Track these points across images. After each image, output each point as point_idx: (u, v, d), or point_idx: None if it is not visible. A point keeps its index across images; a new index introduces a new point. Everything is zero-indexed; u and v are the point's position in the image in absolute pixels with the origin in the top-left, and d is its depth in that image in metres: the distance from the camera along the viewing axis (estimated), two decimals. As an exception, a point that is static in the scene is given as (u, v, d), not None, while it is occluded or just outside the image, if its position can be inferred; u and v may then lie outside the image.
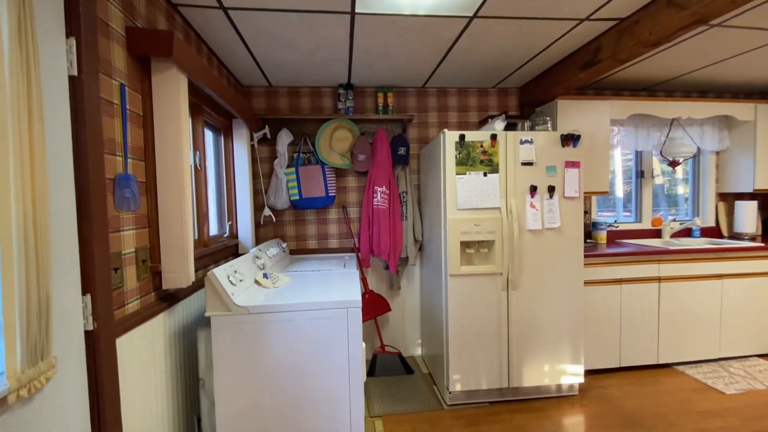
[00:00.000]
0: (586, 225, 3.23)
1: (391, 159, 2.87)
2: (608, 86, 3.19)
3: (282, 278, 1.90)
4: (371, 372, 2.81)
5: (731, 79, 3.04)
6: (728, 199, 3.47)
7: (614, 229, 3.31)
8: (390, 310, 2.94)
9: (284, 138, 2.78)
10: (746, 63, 2.66)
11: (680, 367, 2.74)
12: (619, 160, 3.50)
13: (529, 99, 3.03)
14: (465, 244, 2.31)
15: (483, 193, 2.27)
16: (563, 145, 2.31)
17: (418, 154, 3.09)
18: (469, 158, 2.25)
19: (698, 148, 3.31)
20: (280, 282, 1.86)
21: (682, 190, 3.61)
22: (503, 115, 2.41)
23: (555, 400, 2.39)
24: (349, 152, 2.88)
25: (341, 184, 3.03)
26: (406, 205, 2.93)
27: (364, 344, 1.66)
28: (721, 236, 3.44)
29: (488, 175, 2.27)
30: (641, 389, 2.47)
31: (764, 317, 2.85)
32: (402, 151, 2.88)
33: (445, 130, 2.26)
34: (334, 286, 1.84)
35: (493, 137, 2.26)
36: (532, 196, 2.30)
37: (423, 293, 2.99)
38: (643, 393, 2.43)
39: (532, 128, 2.59)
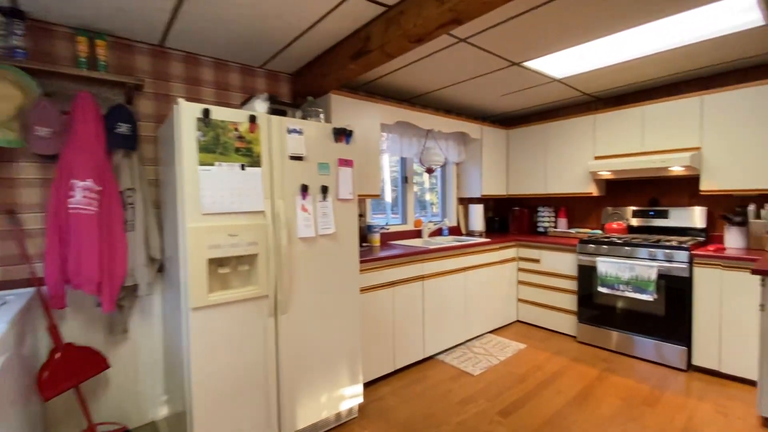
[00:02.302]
0: (361, 228, 3.16)
1: (103, 139, 1.91)
2: (378, 91, 3.22)
3: None
4: (66, 476, 1.76)
5: (464, 102, 3.61)
6: (465, 203, 4.18)
7: (386, 231, 3.39)
8: (107, 367, 1.95)
9: None
10: (475, 88, 3.15)
11: (440, 356, 2.98)
12: (387, 167, 3.64)
13: (302, 88, 2.68)
14: (217, 262, 1.68)
15: (241, 192, 1.70)
16: (336, 140, 2.03)
17: (155, 137, 2.22)
18: (218, 144, 1.64)
19: (446, 158, 3.80)
20: None
21: (428, 196, 4.10)
22: (266, 95, 1.92)
23: (335, 431, 2.07)
24: (19, 121, 1.74)
25: (4, 173, 1.82)
26: (133, 208, 2.03)
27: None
28: (461, 234, 4.09)
29: (247, 168, 1.72)
30: (413, 390, 2.49)
31: (491, 300, 3.47)
32: (124, 129, 1.97)
33: (180, 100, 1.57)
34: None
35: (253, 120, 1.73)
36: (304, 198, 1.90)
37: (167, 333, 2.15)
38: (414, 394, 2.43)
39: (304, 119, 2.22)
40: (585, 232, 3.61)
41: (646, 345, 2.83)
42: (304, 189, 1.89)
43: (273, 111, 2.11)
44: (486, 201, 4.46)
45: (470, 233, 4.02)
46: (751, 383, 2.44)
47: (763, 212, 2.62)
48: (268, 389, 1.81)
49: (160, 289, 2.22)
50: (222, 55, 2.40)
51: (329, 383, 2.03)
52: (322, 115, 2.23)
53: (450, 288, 3.06)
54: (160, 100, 2.23)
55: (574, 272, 3.29)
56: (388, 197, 3.66)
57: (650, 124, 3.06)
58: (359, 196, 2.74)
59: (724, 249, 2.65)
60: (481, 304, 3.36)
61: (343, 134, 2.04)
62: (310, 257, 1.93)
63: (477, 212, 3.95)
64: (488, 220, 4.31)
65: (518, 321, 3.80)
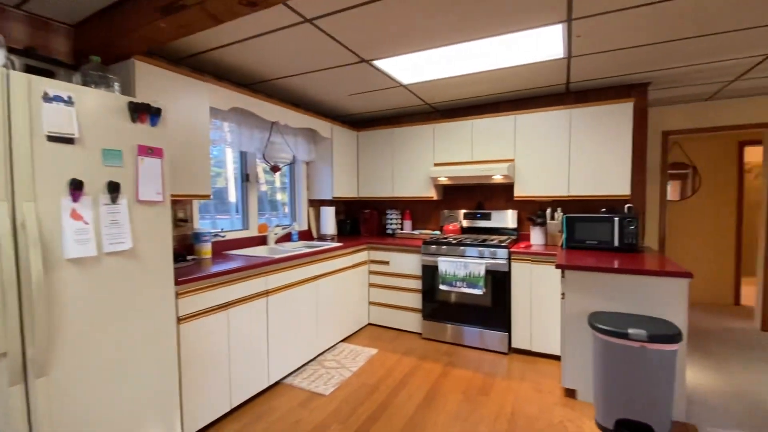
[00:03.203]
0: (186, 237, 2.54)
1: None
2: (209, 68, 2.66)
3: None
4: None
5: (314, 97, 3.36)
6: (316, 205, 3.93)
7: (221, 239, 2.84)
8: None
9: None
10: (325, 82, 2.93)
11: (289, 379, 2.63)
12: (231, 164, 3.09)
13: (92, 47, 1.93)
14: None
15: (-64, 189, 1.01)
16: (135, 120, 1.48)
17: None
18: None
19: (294, 156, 3.47)
20: None
21: (280, 196, 3.72)
22: (1, 38, 1.24)
23: None
24: None
25: None
26: None
27: None
28: (312, 238, 3.82)
29: (-47, 150, 1.04)
30: (254, 429, 2.08)
31: (344, 307, 3.32)
32: None
33: None
34: None
35: (-35, 71, 1.06)
36: (76, 199, 1.29)
37: None
38: (256, 435, 2.04)
39: (86, 86, 1.56)
40: (427, 233, 3.83)
41: (477, 334, 3.14)
42: (77, 186, 1.29)
43: (29, 69, 1.41)
44: (337, 203, 4.32)
45: (322, 237, 3.79)
46: (556, 358, 2.94)
47: (556, 215, 3.22)
48: (7, 501, 1.15)
49: None
50: (-76, -31, 1.50)
51: (128, 457, 1.46)
52: (117, 86, 1.61)
53: (300, 300, 2.75)
54: None
55: (419, 272, 3.43)
56: (233, 196, 3.11)
57: (477, 136, 3.42)
58: (178, 196, 2.16)
59: (531, 246, 3.15)
60: (333, 313, 3.16)
61: (146, 111, 1.50)
62: (89, 286, 1.33)
63: (329, 215, 3.75)
64: (340, 223, 4.17)
65: (370, 324, 3.77)
